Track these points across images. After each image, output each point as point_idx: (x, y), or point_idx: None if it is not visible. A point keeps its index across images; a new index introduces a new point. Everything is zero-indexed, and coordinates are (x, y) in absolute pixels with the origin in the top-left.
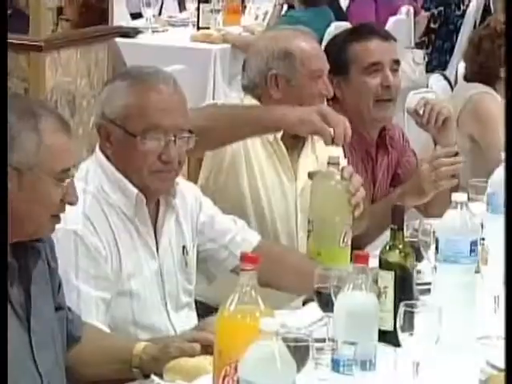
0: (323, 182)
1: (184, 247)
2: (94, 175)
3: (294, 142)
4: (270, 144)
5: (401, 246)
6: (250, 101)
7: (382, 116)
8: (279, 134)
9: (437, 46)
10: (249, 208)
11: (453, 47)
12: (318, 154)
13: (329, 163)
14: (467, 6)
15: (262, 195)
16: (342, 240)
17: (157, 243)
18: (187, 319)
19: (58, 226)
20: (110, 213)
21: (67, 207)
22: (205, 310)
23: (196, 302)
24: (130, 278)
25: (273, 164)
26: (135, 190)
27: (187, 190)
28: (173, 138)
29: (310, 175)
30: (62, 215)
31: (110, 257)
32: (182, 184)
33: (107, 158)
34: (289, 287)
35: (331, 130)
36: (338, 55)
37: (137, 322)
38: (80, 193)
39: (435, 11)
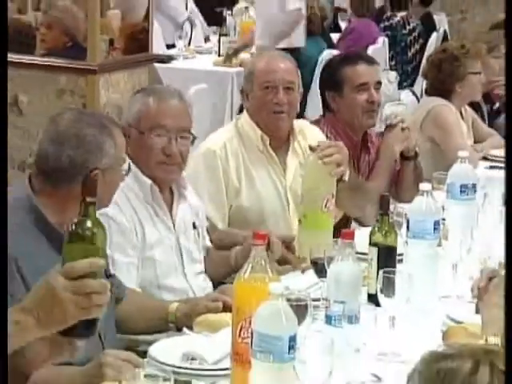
0: (310, 159)
1: (194, 223)
2: None
3: (281, 146)
4: (261, 152)
5: (386, 228)
6: None
7: (369, 124)
8: (267, 142)
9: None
10: (250, 204)
11: (415, 64)
12: (299, 153)
13: (311, 149)
14: (413, 27)
15: (259, 193)
16: (324, 205)
17: (173, 221)
18: (203, 281)
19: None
20: (131, 197)
21: None
22: None
23: None
24: (153, 247)
25: (265, 167)
26: (149, 181)
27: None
28: (174, 136)
29: (311, 148)
30: None
31: (134, 231)
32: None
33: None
34: None
35: None
36: (333, 75)
37: (160, 285)
38: None
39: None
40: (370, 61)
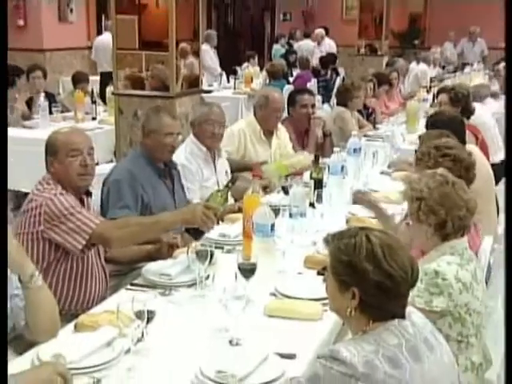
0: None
1: (226, 171)
2: (189, 142)
3: (269, 134)
4: (260, 137)
5: (318, 170)
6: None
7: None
8: (262, 132)
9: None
10: (254, 158)
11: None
12: (278, 139)
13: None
14: (335, 78)
15: (258, 154)
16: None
17: (215, 168)
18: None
19: (178, 162)
20: (195, 156)
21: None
22: None
23: None
24: (206, 181)
25: (262, 145)
26: (204, 148)
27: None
28: (218, 125)
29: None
30: (175, 157)
31: (197, 173)
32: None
33: (194, 135)
34: None
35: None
36: (293, 98)
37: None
38: (183, 149)
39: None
40: (311, 92)
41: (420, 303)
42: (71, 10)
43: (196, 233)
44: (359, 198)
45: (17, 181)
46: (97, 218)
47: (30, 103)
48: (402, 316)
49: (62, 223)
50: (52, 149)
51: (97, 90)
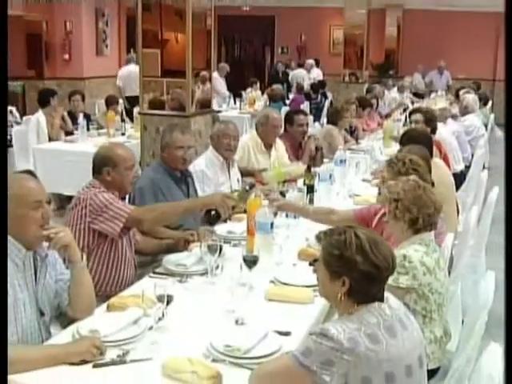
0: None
1: (238, 178)
2: (209, 153)
3: (268, 147)
4: (261, 148)
5: (310, 177)
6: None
7: (302, 136)
8: (262, 145)
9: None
10: (256, 166)
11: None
12: (277, 151)
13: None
14: (317, 96)
15: (259, 163)
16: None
17: (229, 175)
18: None
19: (195, 169)
20: (214, 165)
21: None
22: None
23: None
24: (221, 186)
25: (263, 156)
26: (222, 158)
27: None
28: (232, 139)
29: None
30: (196, 163)
31: (214, 178)
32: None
33: (213, 147)
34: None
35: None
36: (291, 118)
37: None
38: (204, 158)
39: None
40: (305, 113)
41: (389, 281)
42: (106, 46)
43: (213, 218)
44: (281, 206)
45: (60, 185)
46: (131, 206)
47: (63, 118)
48: (381, 299)
49: (104, 212)
50: (111, 162)
51: (121, 109)
